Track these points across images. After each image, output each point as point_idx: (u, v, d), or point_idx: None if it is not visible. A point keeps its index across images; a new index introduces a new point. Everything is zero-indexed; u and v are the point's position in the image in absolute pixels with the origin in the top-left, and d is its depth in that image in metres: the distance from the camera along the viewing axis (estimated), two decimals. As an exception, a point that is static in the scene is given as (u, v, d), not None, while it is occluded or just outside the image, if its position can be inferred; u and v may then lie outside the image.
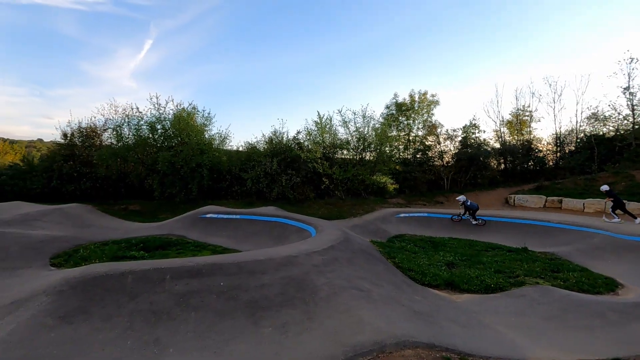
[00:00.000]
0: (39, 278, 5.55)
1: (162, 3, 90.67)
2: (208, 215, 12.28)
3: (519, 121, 27.33)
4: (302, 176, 17.57)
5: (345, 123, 19.49)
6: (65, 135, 19.01)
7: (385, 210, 16.36)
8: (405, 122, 25.68)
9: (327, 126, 19.50)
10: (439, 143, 23.90)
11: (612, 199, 12.29)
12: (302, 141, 19.94)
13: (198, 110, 19.16)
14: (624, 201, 13.08)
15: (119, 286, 4.44)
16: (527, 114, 27.14)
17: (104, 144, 19.44)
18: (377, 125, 20.16)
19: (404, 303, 5.21)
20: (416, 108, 25.74)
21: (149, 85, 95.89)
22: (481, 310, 5.74)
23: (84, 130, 19.40)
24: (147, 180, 16.95)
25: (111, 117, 19.00)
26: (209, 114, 18.99)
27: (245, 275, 5.06)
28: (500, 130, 27.79)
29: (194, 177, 16.98)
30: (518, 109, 27.39)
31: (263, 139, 19.73)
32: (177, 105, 18.81)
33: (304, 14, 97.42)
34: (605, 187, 12.66)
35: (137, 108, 18.58)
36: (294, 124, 76.79)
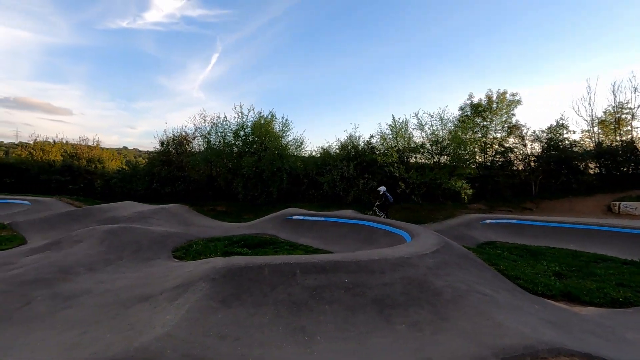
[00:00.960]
0: (182, 267, 6.35)
1: (227, 19, 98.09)
2: (295, 217, 12.90)
3: (616, 120, 24.35)
4: (378, 180, 17.60)
5: (421, 126, 19.12)
6: (162, 143, 21.39)
7: (468, 215, 15.68)
8: (482, 123, 24.38)
9: (402, 130, 19.31)
10: (525, 145, 22.21)
11: None
12: (375, 145, 19.99)
13: (276, 118, 20.22)
14: None
15: (259, 277, 4.93)
16: (627, 111, 24.08)
17: (194, 150, 21.52)
18: (452, 128, 19.47)
19: (529, 311, 5.02)
20: (494, 109, 24.30)
21: (215, 96, 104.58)
22: (616, 325, 5.28)
23: (177, 138, 21.65)
24: (233, 183, 18.29)
25: (200, 126, 20.96)
26: (286, 120, 19.91)
27: (365, 273, 5.27)
28: (592, 130, 25.04)
29: (275, 181, 17.95)
30: (616, 106, 24.43)
31: (337, 143, 20.19)
32: (258, 113, 20.05)
33: (362, 18, 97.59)
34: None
35: (226, 117, 20.22)
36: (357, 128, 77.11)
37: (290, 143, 20.34)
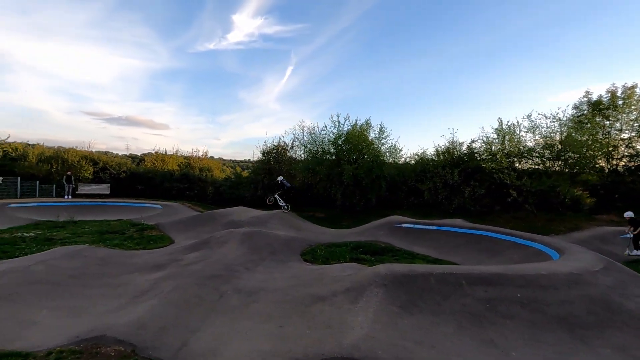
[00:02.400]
0: (324, 270, 6.74)
1: (301, 32, 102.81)
2: (404, 225, 12.81)
3: None
4: (485, 187, 16.58)
5: (533, 129, 17.55)
6: (263, 153, 23.15)
7: (600, 228, 13.86)
8: (603, 123, 21.35)
9: (509, 133, 17.95)
10: None
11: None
12: (478, 150, 18.90)
13: (371, 125, 20.38)
14: None
15: (427, 285, 5.00)
16: None
17: (291, 158, 22.88)
18: (566, 130, 17.50)
19: None
20: (620, 105, 21.11)
21: (289, 106, 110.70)
22: None
23: (276, 148, 23.23)
24: (331, 190, 18.90)
25: (298, 135, 22.18)
26: (382, 128, 19.94)
27: (537, 288, 5.00)
28: None
29: (373, 188, 18.08)
30: None
31: (435, 149, 19.58)
32: (354, 121, 20.46)
33: (434, 17, 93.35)
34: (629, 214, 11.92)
35: (326, 126, 21.09)
36: (433, 133, 73.83)
37: (386, 150, 20.32)
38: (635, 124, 20.81)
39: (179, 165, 28.38)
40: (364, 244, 11.12)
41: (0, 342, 4.34)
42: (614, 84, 23.32)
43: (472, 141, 19.39)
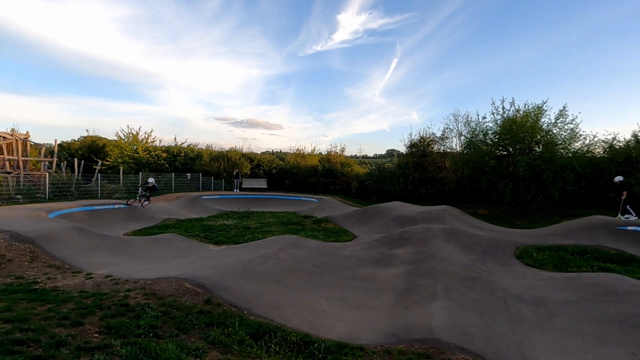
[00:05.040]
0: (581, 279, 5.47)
1: (406, 22, 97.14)
2: (630, 228, 10.31)
3: None
4: None
5: None
6: (412, 145, 22.27)
7: None
8: None
9: None
10: None
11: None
12: None
13: (545, 110, 17.41)
14: None
15: None
16: None
17: (442, 150, 21.48)
18: None
19: None
20: None
21: (394, 99, 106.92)
22: None
23: (424, 140, 22.08)
24: (499, 184, 16.86)
25: (451, 127, 20.59)
26: (564, 111, 16.82)
27: None
28: None
29: (556, 182, 15.37)
30: None
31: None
32: (523, 106, 17.84)
33: None
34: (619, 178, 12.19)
35: (484, 116, 19.10)
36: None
37: (566, 137, 17.11)
38: None
39: (319, 161, 29.77)
40: (589, 249, 9.23)
41: (308, 327, 4.57)
42: None
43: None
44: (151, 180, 15.64)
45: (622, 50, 75.63)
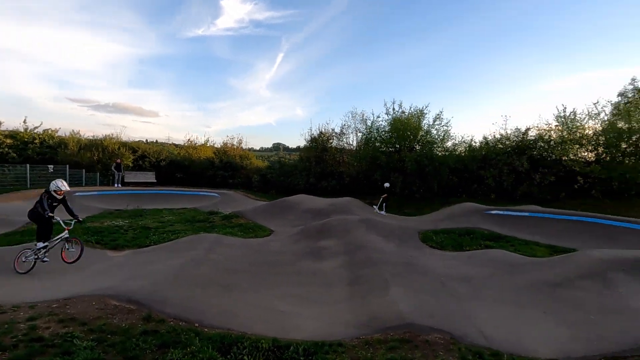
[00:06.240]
0: (485, 254, 6.77)
1: (292, 19, 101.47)
2: (494, 212, 12.91)
3: None
4: (552, 174, 16.73)
5: (595, 116, 17.72)
6: (313, 140, 22.98)
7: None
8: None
9: (569, 120, 18.09)
10: None
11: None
12: (534, 139, 18.95)
13: (425, 113, 20.25)
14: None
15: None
16: None
17: (340, 146, 22.82)
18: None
19: None
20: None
21: (280, 94, 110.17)
22: None
23: (324, 135, 23.09)
24: (392, 177, 18.91)
25: (349, 124, 22.06)
26: (439, 115, 19.85)
27: None
28: None
29: (436, 175, 18.12)
30: None
31: (493, 136, 19.64)
32: (409, 108, 20.36)
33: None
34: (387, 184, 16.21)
35: (378, 115, 20.99)
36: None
37: (439, 137, 20.24)
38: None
39: (214, 154, 28.07)
40: (470, 230, 11.16)
41: (273, 331, 4.35)
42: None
43: (528, 128, 19.41)
44: None
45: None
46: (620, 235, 10.16)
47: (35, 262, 6.52)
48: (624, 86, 22.88)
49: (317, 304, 5.16)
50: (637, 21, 76.57)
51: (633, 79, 22.89)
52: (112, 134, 26.76)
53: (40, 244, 6.63)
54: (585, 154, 18.31)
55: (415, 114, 20.05)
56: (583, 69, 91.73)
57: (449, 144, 20.75)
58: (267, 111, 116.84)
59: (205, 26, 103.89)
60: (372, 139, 20.45)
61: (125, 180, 22.19)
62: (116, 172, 21.35)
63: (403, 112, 20.60)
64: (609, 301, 4.52)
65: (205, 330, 4.19)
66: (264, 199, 19.48)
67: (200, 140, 29.70)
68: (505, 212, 12.80)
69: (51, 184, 6.93)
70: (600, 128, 18.02)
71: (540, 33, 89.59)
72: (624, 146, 17.49)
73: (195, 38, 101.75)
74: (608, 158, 17.47)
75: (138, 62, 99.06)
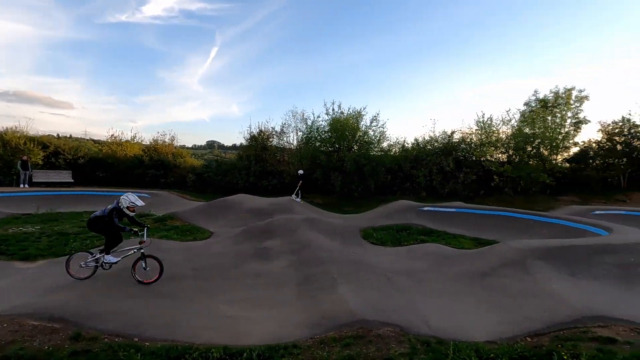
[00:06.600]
0: (422, 249, 7.35)
1: (226, 13, 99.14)
2: (426, 209, 13.91)
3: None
4: (474, 173, 18.57)
5: (507, 122, 20.12)
6: (252, 138, 22.44)
7: (571, 207, 16.60)
8: (551, 119, 25.03)
9: (487, 125, 20.29)
10: (612, 140, 22.39)
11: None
12: (458, 141, 20.86)
13: (363, 114, 21.04)
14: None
15: (561, 254, 5.92)
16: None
17: (280, 145, 22.64)
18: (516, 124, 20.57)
19: None
20: (561, 104, 24.90)
21: (215, 89, 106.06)
22: None
23: (264, 133, 22.72)
24: (331, 177, 19.31)
25: (289, 122, 21.98)
26: (376, 116, 20.79)
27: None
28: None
29: (373, 175, 18.96)
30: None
31: (424, 138, 21.19)
32: (347, 109, 20.96)
33: (370, 9, 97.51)
34: (300, 171, 16.97)
35: (319, 115, 21.23)
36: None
37: (376, 137, 21.20)
38: (574, 120, 24.69)
39: (143, 151, 25.88)
40: (407, 226, 11.87)
41: (223, 338, 4.17)
42: (557, 85, 27.12)
43: (453, 132, 21.30)
44: None
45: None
46: (530, 227, 11.65)
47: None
48: (529, 97, 26.31)
49: (266, 306, 5.05)
50: (541, 38, 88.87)
51: (535, 91, 26.32)
52: (15, 127, 23.15)
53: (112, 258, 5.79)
54: (500, 155, 20.72)
55: (353, 115, 20.70)
56: (502, 78, 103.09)
57: (385, 144, 21.86)
58: (200, 107, 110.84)
59: (129, 12, 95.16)
60: (313, 139, 20.69)
61: (34, 180, 19.44)
62: (22, 170, 18.57)
63: (342, 112, 21.11)
64: (529, 286, 5.16)
65: (147, 344, 3.83)
66: (201, 200, 18.52)
67: (127, 136, 26.85)
68: (436, 209, 13.87)
69: (122, 199, 5.84)
70: (511, 133, 20.56)
71: (463, 44, 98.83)
72: (529, 149, 20.19)
73: (117, 24, 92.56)
74: (517, 159, 19.97)
75: (47, 47, 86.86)
